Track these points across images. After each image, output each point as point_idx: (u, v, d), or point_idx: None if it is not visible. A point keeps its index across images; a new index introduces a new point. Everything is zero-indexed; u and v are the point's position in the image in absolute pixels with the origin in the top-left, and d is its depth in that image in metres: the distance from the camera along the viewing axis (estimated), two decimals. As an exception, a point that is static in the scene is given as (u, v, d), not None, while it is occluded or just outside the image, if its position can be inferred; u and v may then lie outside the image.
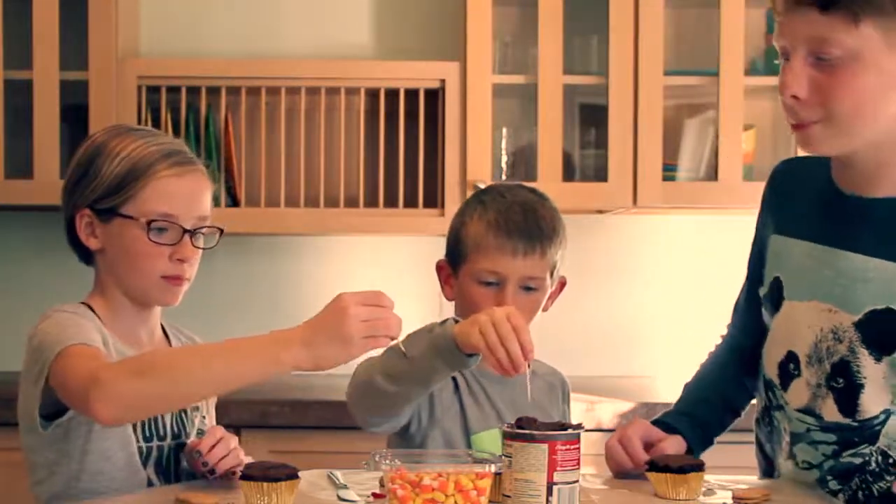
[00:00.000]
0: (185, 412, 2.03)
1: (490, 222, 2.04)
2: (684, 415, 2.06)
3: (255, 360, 1.71)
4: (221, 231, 2.04)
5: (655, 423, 2.05)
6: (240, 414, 3.00)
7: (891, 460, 1.78)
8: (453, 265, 2.10)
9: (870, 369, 1.77)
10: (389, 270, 3.61)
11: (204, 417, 2.08)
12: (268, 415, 3.02)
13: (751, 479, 1.96)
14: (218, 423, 2.10)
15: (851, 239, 1.80)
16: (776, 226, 1.95)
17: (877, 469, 1.78)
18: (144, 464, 1.95)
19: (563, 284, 2.14)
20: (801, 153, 1.88)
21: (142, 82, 3.29)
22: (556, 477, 1.64)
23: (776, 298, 1.91)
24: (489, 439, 2.03)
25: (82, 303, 1.99)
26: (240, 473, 1.75)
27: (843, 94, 1.69)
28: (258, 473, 1.70)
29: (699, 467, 1.82)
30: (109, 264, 1.98)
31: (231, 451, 1.91)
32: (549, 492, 1.65)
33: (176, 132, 3.27)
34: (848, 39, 1.67)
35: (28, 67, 3.26)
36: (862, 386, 1.77)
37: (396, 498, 1.61)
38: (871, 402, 1.77)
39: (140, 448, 1.95)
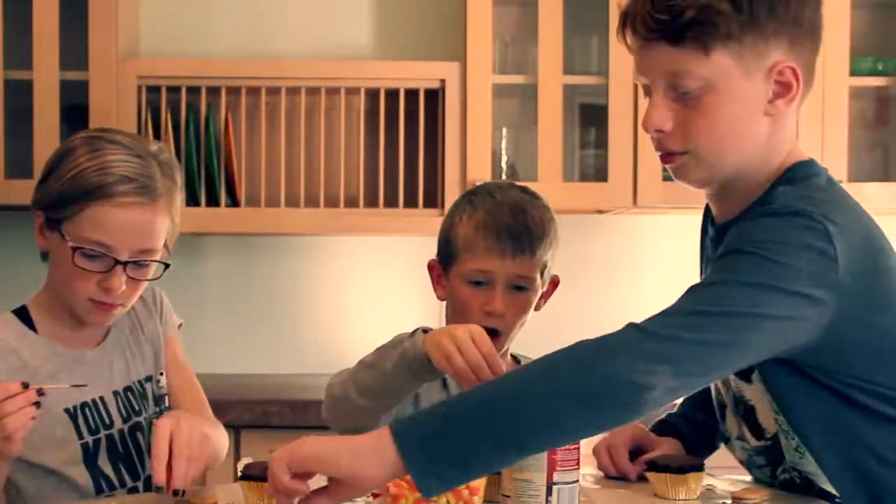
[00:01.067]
0: (132, 390, 2.00)
1: (479, 223, 2.03)
2: (684, 417, 2.06)
3: None
4: (167, 266, 1.95)
5: (659, 422, 2.05)
6: (240, 414, 3.00)
7: (804, 475, 1.77)
8: (444, 265, 2.09)
9: (749, 392, 1.76)
10: (389, 270, 3.61)
11: (158, 382, 2.05)
12: (268, 415, 3.02)
13: (749, 479, 1.95)
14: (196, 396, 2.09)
15: (706, 271, 1.80)
16: (701, 272, 1.97)
17: (802, 484, 1.78)
18: (96, 457, 1.93)
19: (555, 284, 2.13)
20: None
21: (142, 82, 3.29)
22: (556, 477, 1.64)
23: None
24: None
25: (18, 308, 1.99)
26: (241, 474, 1.75)
27: (704, 126, 1.67)
28: (258, 473, 1.70)
29: (699, 467, 1.82)
30: (51, 269, 1.97)
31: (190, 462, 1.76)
32: (549, 492, 1.65)
33: (176, 132, 3.27)
34: (701, 70, 1.64)
35: (28, 67, 3.26)
36: (753, 408, 1.77)
37: (390, 496, 1.62)
38: (766, 421, 1.76)
39: (86, 444, 1.92)
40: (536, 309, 2.09)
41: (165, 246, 1.95)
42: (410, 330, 1.86)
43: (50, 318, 1.98)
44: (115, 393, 1.99)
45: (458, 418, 1.47)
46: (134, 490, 1.95)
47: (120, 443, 1.97)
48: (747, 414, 1.79)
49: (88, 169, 1.87)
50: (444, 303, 2.12)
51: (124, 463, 1.96)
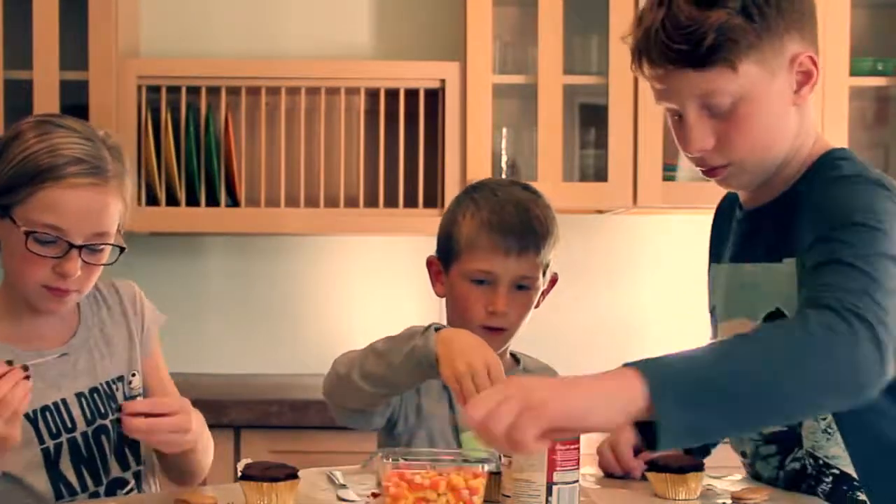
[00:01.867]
0: (98, 391, 1.96)
1: (483, 221, 2.02)
2: None
3: None
4: (122, 249, 1.91)
5: None
6: (240, 414, 3.00)
7: (820, 462, 1.78)
8: (444, 262, 2.08)
9: None
10: (389, 270, 3.61)
11: (130, 383, 2.01)
12: (268, 415, 3.02)
13: (749, 479, 1.95)
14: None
15: (746, 251, 1.83)
16: (713, 256, 1.99)
17: (813, 472, 1.79)
18: (57, 461, 1.89)
19: (554, 281, 2.12)
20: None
21: (142, 82, 3.29)
22: (556, 477, 1.64)
23: (714, 325, 1.95)
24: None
25: None
26: (241, 473, 1.75)
27: (743, 136, 1.71)
28: (258, 473, 1.70)
29: (698, 467, 1.82)
30: (3, 261, 1.92)
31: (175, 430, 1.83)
32: (549, 492, 1.65)
33: (176, 132, 3.27)
34: (731, 86, 1.68)
35: (28, 67, 3.26)
36: None
37: (389, 496, 1.62)
38: None
39: (47, 449, 1.89)
40: (536, 306, 2.09)
41: (118, 231, 1.91)
42: (420, 325, 1.86)
43: (7, 317, 1.94)
44: (80, 395, 1.94)
45: (711, 388, 1.45)
46: (95, 495, 1.91)
47: (84, 446, 1.93)
48: None
49: (39, 151, 1.84)
50: (444, 300, 2.12)
51: (87, 467, 1.92)
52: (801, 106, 1.74)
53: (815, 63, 1.72)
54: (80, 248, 1.85)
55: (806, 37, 1.72)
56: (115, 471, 1.96)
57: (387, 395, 1.93)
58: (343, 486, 1.87)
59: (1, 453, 1.73)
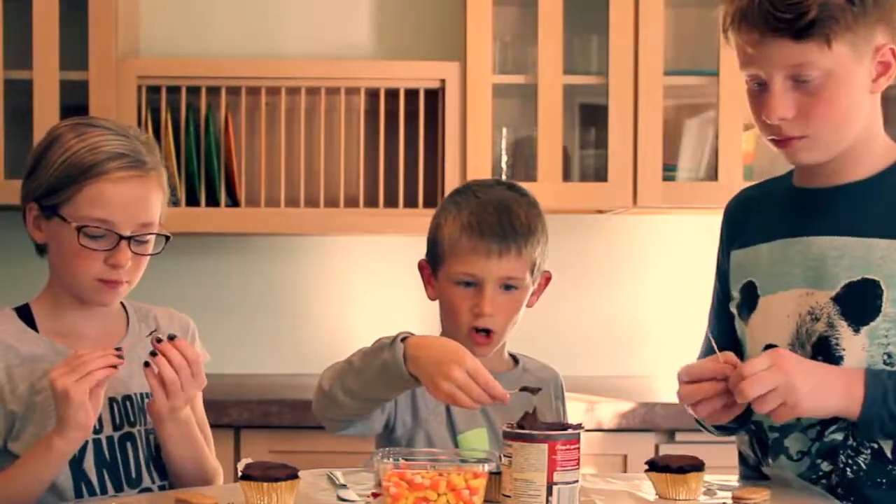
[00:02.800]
0: (131, 400, 2.00)
1: (463, 224, 2.02)
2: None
3: (42, 461, 1.84)
4: (167, 237, 2.01)
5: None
6: (240, 414, 3.00)
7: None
8: (433, 266, 2.09)
9: (848, 341, 1.81)
10: (389, 270, 3.61)
11: None
12: (268, 415, 3.02)
13: (749, 479, 1.95)
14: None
15: (817, 225, 1.88)
16: (736, 244, 2.01)
17: (854, 443, 1.82)
18: (81, 460, 1.92)
19: (547, 279, 2.11)
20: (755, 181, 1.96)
21: (142, 82, 3.29)
22: (556, 477, 1.64)
23: (750, 300, 1.95)
24: (475, 438, 2.04)
25: (20, 305, 2.00)
26: (242, 473, 1.75)
27: (825, 112, 1.81)
28: (258, 473, 1.70)
29: (699, 467, 1.82)
30: (52, 259, 2.00)
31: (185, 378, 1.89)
32: (549, 492, 1.65)
33: (176, 132, 3.27)
34: (823, 61, 1.78)
35: (28, 67, 3.26)
36: (841, 359, 1.82)
37: (389, 496, 1.62)
38: None
39: None
40: (529, 306, 2.09)
41: (160, 221, 1.99)
42: (396, 333, 1.86)
43: (51, 317, 1.99)
44: (112, 399, 1.97)
45: None
46: None
47: (108, 450, 1.96)
48: None
49: (80, 150, 1.93)
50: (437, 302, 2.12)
51: (109, 471, 1.95)
52: (874, 95, 1.85)
53: (895, 55, 1.82)
54: (128, 238, 1.93)
55: (890, 31, 1.82)
56: (146, 481, 1.98)
57: (375, 406, 1.94)
58: (343, 486, 1.87)
59: (64, 422, 1.81)
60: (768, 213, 1.98)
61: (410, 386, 1.83)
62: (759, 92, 1.84)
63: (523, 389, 1.84)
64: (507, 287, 2.03)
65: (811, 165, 1.88)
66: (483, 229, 2.01)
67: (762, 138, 1.89)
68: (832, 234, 1.86)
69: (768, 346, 1.89)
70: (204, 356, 2.10)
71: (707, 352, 2.09)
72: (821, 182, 1.90)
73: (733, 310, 2.00)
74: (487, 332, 2.02)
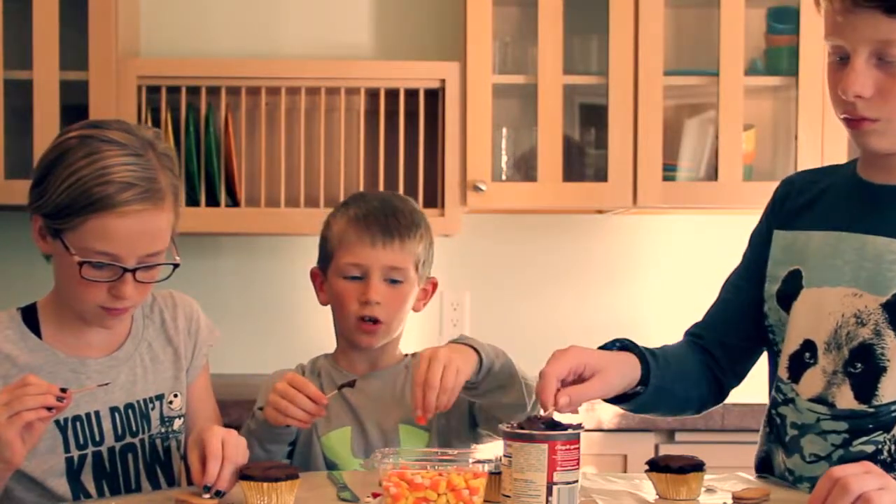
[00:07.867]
0: (133, 408, 1.96)
1: (350, 218, 2.15)
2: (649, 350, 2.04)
3: None
4: (175, 266, 1.91)
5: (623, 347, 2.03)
6: (240, 414, 2.99)
7: None
8: (323, 268, 2.19)
9: (894, 352, 1.74)
10: (389, 270, 3.61)
11: (171, 403, 2.01)
12: (268, 415, 3.02)
13: (750, 479, 1.95)
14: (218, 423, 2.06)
15: (876, 224, 1.80)
16: (782, 224, 1.95)
17: (888, 459, 1.75)
18: (79, 472, 1.90)
19: (434, 286, 2.23)
20: (808, 166, 1.89)
21: (142, 82, 3.29)
22: (556, 477, 1.64)
23: (793, 289, 1.89)
24: (337, 438, 2.12)
25: (28, 306, 1.97)
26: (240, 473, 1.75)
27: None
28: (258, 473, 1.70)
29: (699, 467, 1.82)
30: (56, 273, 1.92)
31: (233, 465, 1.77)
32: (549, 492, 1.65)
33: (176, 132, 3.27)
34: None
35: (28, 67, 3.26)
36: (884, 369, 1.74)
37: (389, 496, 1.63)
38: (892, 387, 1.74)
39: (71, 458, 1.89)
40: (416, 310, 2.20)
41: (172, 240, 1.91)
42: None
43: (56, 321, 1.95)
44: (114, 409, 1.95)
45: None
46: None
47: (108, 461, 1.93)
48: (867, 374, 1.77)
49: (87, 177, 1.80)
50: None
51: (109, 482, 1.93)
52: None
53: None
54: (133, 270, 1.85)
55: None
56: (145, 491, 1.96)
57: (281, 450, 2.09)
58: (343, 487, 1.87)
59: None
60: (825, 201, 1.90)
61: (287, 436, 2.05)
62: (840, 65, 1.75)
63: (341, 387, 2.03)
64: (393, 281, 2.12)
65: (878, 155, 1.80)
66: (369, 221, 2.13)
67: (835, 114, 1.81)
68: (891, 237, 1.78)
69: (806, 342, 1.84)
70: (214, 338, 2.11)
71: (715, 313, 2.08)
72: (884, 178, 1.82)
73: (773, 292, 1.93)
74: (375, 320, 2.11)
